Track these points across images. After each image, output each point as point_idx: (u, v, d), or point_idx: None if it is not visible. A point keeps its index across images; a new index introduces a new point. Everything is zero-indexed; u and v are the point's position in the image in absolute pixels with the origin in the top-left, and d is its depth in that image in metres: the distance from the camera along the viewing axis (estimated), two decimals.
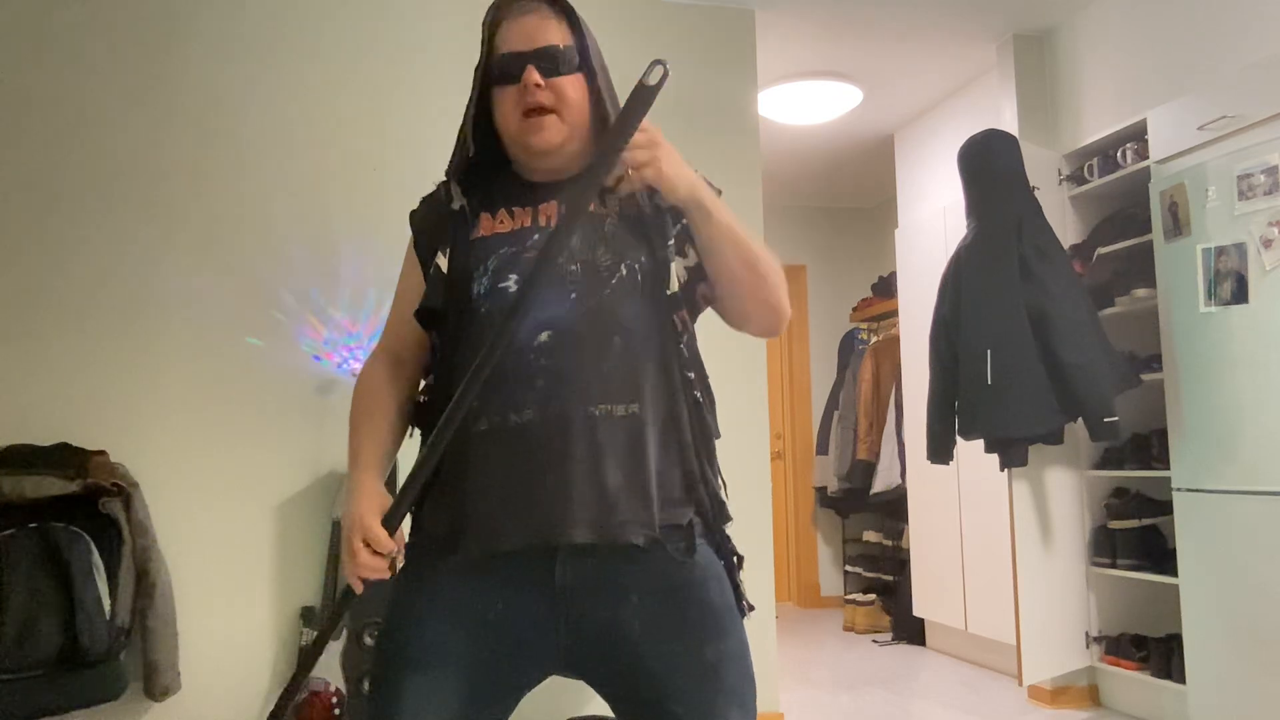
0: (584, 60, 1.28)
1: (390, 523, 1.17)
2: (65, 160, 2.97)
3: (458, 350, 1.22)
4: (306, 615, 2.97)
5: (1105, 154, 3.57)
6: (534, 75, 1.24)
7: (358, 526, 1.16)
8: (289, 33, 3.21)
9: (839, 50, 4.16)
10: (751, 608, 1.27)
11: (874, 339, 5.76)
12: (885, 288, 5.67)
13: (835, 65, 4.32)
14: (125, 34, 3.06)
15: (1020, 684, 3.45)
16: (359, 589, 1.18)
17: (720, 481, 1.29)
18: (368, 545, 1.15)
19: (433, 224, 1.32)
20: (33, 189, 2.94)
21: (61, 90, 2.99)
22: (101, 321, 2.94)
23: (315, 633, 2.94)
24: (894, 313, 5.20)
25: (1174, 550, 3.05)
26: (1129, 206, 3.54)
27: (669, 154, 1.19)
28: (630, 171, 1.17)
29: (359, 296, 3.14)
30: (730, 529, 1.28)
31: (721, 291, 1.29)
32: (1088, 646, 3.51)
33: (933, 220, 4.60)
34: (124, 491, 2.70)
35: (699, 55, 3.63)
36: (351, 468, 1.26)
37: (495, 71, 1.27)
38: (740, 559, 1.28)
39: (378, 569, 1.16)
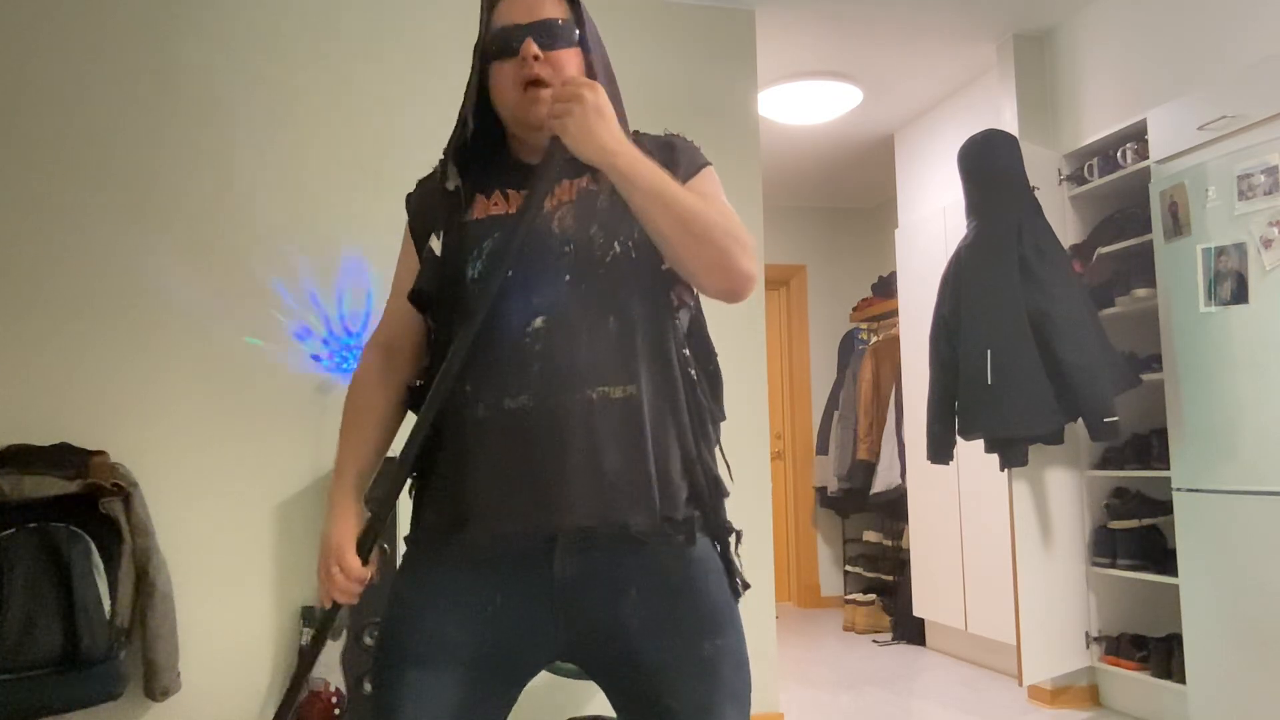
0: (581, 34, 1.27)
1: (362, 550, 1.22)
2: (63, 159, 2.97)
3: (452, 334, 1.22)
4: (306, 615, 2.97)
5: (1105, 154, 3.57)
6: (532, 48, 1.22)
7: (332, 553, 1.21)
8: (286, 32, 3.21)
9: (839, 50, 4.16)
10: (747, 585, 1.27)
11: (874, 339, 5.75)
12: (885, 288, 5.67)
13: (835, 65, 4.32)
14: (119, 32, 3.06)
15: (1020, 684, 3.45)
16: (328, 605, 1.23)
17: (724, 461, 1.29)
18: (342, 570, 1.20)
19: (427, 206, 1.31)
20: (30, 188, 2.94)
21: (57, 89, 2.99)
22: (101, 321, 2.94)
23: (315, 632, 2.94)
24: (894, 313, 5.19)
25: (1174, 550, 3.06)
26: (1129, 206, 3.54)
27: (586, 112, 1.15)
28: (550, 121, 1.17)
29: (358, 296, 3.15)
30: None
31: (663, 253, 1.22)
32: (1088, 646, 3.51)
33: (933, 220, 4.60)
34: (124, 491, 2.70)
35: (699, 55, 3.63)
36: (333, 481, 1.28)
37: (493, 46, 1.26)
38: (739, 535, 1.28)
39: (351, 594, 1.21)
